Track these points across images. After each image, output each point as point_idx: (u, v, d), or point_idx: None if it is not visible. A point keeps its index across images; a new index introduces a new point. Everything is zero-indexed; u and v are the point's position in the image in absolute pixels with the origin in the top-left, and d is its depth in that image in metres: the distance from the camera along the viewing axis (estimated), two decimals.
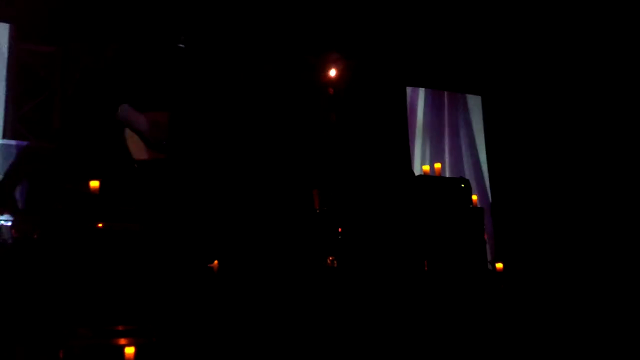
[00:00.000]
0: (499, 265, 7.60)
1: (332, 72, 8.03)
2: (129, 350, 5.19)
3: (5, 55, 7.32)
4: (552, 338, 6.30)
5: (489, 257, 8.16)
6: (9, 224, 5.87)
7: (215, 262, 6.13)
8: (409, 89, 9.59)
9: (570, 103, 9.05)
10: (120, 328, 5.34)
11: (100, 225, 5.91)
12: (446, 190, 7.44)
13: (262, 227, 7.04)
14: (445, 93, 9.86)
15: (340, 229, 7.46)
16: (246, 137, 7.86)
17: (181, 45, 6.33)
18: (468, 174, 9.37)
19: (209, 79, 7.67)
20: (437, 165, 8.08)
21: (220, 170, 7.39)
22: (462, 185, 7.58)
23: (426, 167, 8.14)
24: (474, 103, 9.98)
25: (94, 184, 6.07)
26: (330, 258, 7.05)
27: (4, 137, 6.63)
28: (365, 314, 6.07)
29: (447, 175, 9.28)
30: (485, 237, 7.64)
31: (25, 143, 6.50)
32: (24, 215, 6.11)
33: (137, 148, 6.52)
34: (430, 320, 6.26)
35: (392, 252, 7.28)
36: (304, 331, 5.67)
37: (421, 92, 9.70)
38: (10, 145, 6.39)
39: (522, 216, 8.95)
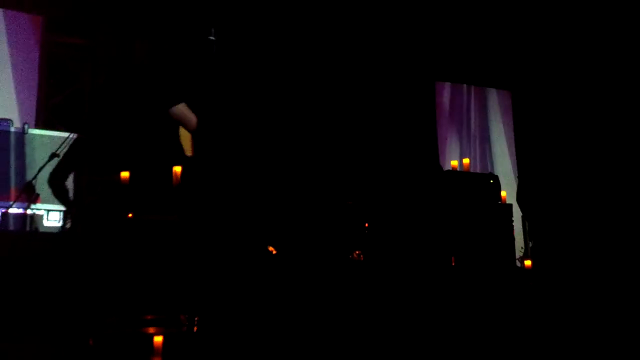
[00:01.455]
0: (528, 263, 7.53)
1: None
2: (158, 339, 5.22)
3: (37, 47, 7.39)
4: (579, 337, 6.22)
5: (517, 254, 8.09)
6: (41, 213, 5.94)
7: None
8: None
9: (604, 98, 8.91)
10: (148, 317, 5.38)
11: (130, 215, 5.95)
12: (474, 185, 7.39)
13: (290, 221, 7.06)
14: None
15: (367, 224, 7.46)
16: (274, 131, 7.88)
17: (212, 37, 6.34)
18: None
19: (238, 73, 7.69)
20: (466, 161, 8.03)
21: (249, 165, 7.41)
22: (491, 181, 7.52)
23: (454, 162, 8.08)
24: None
25: (125, 174, 6.11)
26: (357, 252, 7.05)
27: (35, 127, 6.70)
28: (390, 309, 6.05)
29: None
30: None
31: (56, 133, 6.56)
32: (56, 205, 6.17)
33: (191, 147, 6.61)
34: (456, 316, 6.22)
35: (419, 248, 7.26)
36: (330, 323, 5.67)
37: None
38: (42, 135, 6.45)
39: (552, 213, 8.84)
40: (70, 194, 6.24)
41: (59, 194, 6.19)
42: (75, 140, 6.54)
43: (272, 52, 8.15)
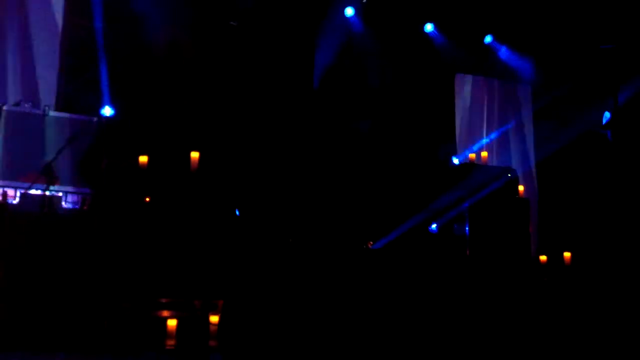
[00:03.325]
0: (543, 258, 7.48)
1: None
2: (172, 323, 5.27)
3: (60, 30, 7.42)
4: (592, 332, 6.19)
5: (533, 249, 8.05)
6: (60, 195, 5.98)
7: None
8: None
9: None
10: (163, 300, 5.42)
11: (147, 199, 6.00)
12: (491, 178, 7.35)
13: (305, 210, 7.09)
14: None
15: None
16: (293, 122, 7.88)
17: (233, 23, 6.33)
18: None
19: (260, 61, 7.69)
20: (484, 154, 7.99)
21: (266, 152, 7.44)
22: (509, 175, 7.47)
23: (473, 155, 8.04)
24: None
25: (143, 159, 6.16)
26: (370, 243, 7.06)
27: (55, 109, 6.73)
28: (404, 298, 6.06)
29: None
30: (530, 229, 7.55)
31: (76, 116, 6.59)
32: (75, 187, 6.21)
33: None
34: (468, 308, 6.21)
35: (433, 238, 7.25)
36: (343, 311, 5.69)
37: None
38: (62, 118, 6.47)
39: (570, 209, 8.76)
40: (89, 177, 6.27)
41: (78, 177, 6.23)
42: (95, 123, 6.58)
43: (292, 44, 8.13)
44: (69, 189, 6.16)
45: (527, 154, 9.51)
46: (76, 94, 7.29)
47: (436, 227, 7.16)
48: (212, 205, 6.17)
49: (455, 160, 8.44)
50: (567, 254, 7.38)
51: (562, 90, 9.37)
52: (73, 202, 6.13)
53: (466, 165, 7.68)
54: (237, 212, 6.32)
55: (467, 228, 7.01)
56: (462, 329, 5.99)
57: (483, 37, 9.34)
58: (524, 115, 9.68)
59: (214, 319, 5.35)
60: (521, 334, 6.10)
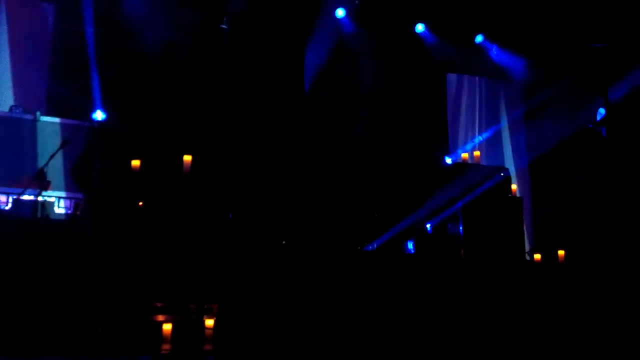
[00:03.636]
0: (537, 256, 7.51)
1: None
2: (167, 327, 5.26)
3: (51, 34, 7.41)
4: (588, 332, 6.20)
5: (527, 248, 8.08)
6: (52, 200, 5.96)
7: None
8: None
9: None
10: (158, 305, 5.40)
11: (140, 204, 5.98)
12: (484, 178, 7.36)
13: (301, 212, 7.09)
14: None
15: (376, 215, 7.47)
16: (286, 122, 7.89)
17: (224, 26, 6.32)
18: None
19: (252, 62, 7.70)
20: (477, 153, 8.01)
21: (259, 155, 7.44)
22: (502, 174, 7.49)
23: (465, 155, 8.06)
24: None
25: (135, 163, 6.15)
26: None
27: (47, 114, 6.71)
28: (399, 298, 6.06)
29: None
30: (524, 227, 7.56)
31: (67, 121, 6.57)
32: (68, 192, 6.20)
33: None
34: (464, 308, 6.22)
35: (427, 239, 7.26)
36: (341, 311, 5.69)
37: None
38: (54, 123, 6.45)
39: (563, 208, 8.79)
40: (82, 182, 6.26)
41: (70, 182, 6.22)
42: (87, 128, 6.58)
43: (283, 47, 8.13)
44: (62, 194, 6.15)
45: (519, 153, 9.55)
46: (68, 98, 7.27)
47: (430, 227, 7.18)
48: (206, 209, 6.16)
49: (448, 160, 8.46)
50: (561, 252, 7.41)
51: (554, 88, 9.41)
52: (66, 207, 6.12)
53: (459, 164, 7.69)
54: (231, 215, 6.32)
55: (460, 228, 7.02)
56: (458, 329, 5.99)
57: (474, 37, 9.37)
58: (516, 114, 9.72)
59: (209, 322, 5.34)
60: (516, 332, 6.10)
